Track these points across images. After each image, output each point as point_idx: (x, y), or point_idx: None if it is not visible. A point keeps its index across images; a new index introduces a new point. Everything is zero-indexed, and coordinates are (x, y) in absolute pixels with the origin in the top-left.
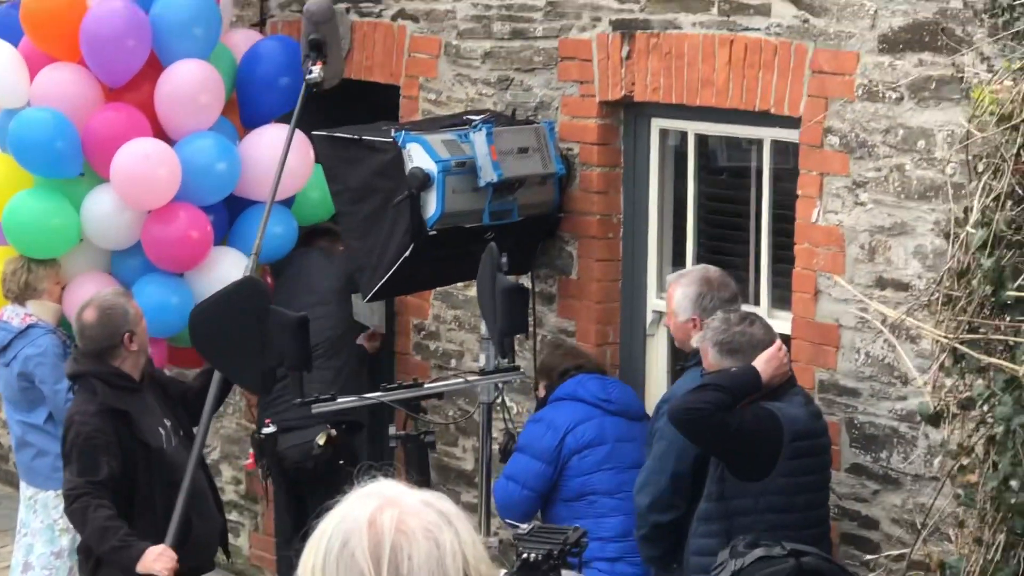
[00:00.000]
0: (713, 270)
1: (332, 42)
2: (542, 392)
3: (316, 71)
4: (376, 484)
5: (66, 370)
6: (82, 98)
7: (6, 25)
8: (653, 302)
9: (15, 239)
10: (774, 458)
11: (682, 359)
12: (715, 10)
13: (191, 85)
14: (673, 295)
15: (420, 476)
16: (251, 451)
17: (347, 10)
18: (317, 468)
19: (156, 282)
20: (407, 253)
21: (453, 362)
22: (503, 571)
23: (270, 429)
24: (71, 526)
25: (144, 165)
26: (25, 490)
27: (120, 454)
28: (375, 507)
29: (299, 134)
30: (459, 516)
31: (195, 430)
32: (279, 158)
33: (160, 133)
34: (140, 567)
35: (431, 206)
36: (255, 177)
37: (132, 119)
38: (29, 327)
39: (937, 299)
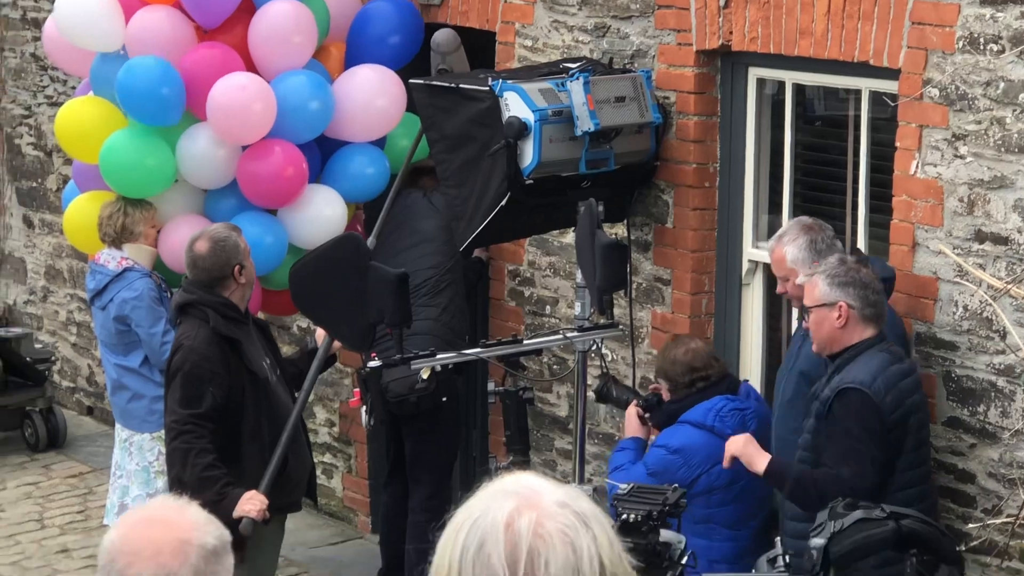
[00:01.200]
0: (804, 218)
1: (460, 71)
2: (666, 393)
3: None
4: (514, 479)
5: (175, 300)
6: (176, 40)
7: None
8: (749, 251)
9: (112, 178)
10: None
11: (777, 309)
12: None
13: (285, 24)
14: (784, 256)
15: (518, 433)
16: (356, 388)
17: None
18: (420, 403)
19: (251, 221)
20: (503, 202)
21: (548, 308)
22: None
23: (375, 364)
24: (167, 468)
25: (240, 96)
26: (120, 432)
27: (227, 383)
28: (513, 509)
29: (392, 76)
30: (596, 517)
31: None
32: (369, 99)
33: (254, 72)
34: (235, 512)
35: (528, 155)
36: (348, 117)
37: (227, 57)
38: (125, 270)
39: None
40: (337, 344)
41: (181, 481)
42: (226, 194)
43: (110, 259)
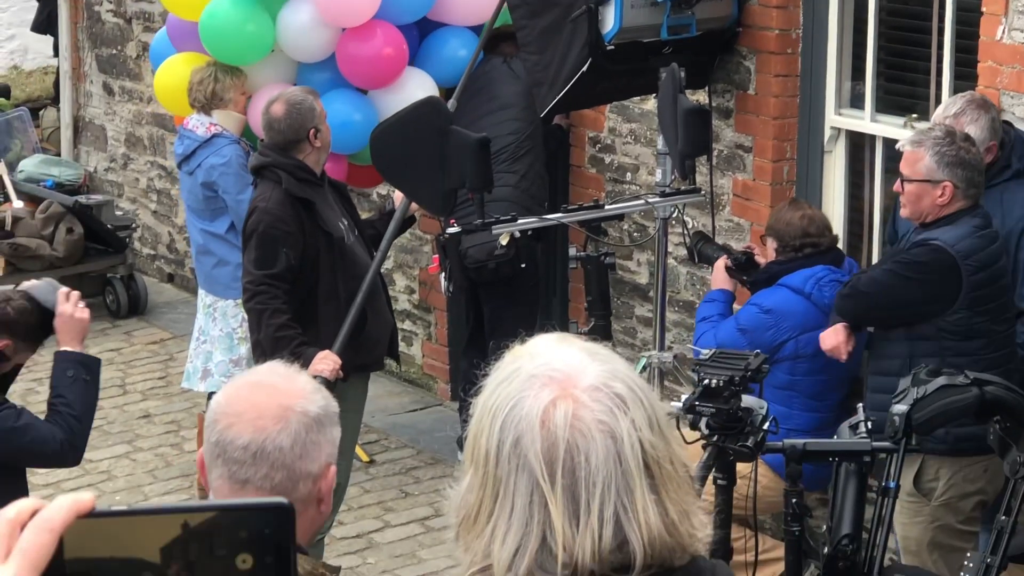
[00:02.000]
0: (975, 94)
1: None
2: (771, 251)
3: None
4: (545, 355)
5: (250, 163)
6: None
7: None
8: (831, 118)
9: (210, 43)
10: (955, 298)
11: (860, 178)
12: None
13: None
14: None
15: (600, 298)
16: (435, 255)
17: None
18: (499, 269)
19: (341, 98)
20: (584, 68)
21: (628, 175)
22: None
23: (454, 229)
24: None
25: None
26: (204, 298)
27: (302, 243)
28: (548, 401)
29: None
30: (634, 398)
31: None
32: None
33: None
34: (308, 372)
35: (609, 21)
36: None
37: None
38: (214, 136)
39: None
40: (415, 206)
41: (260, 343)
42: (321, 68)
43: (199, 125)
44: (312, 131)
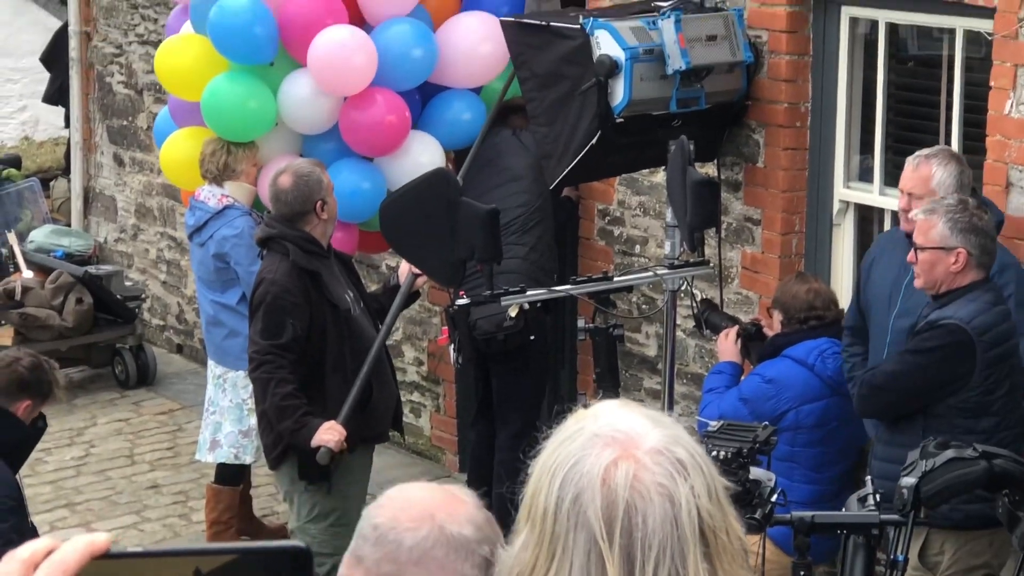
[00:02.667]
0: (950, 148)
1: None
2: (777, 324)
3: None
4: (609, 417)
5: (256, 235)
6: None
7: None
8: (840, 191)
9: (213, 121)
10: (969, 376)
11: (867, 249)
12: None
13: None
14: (931, 175)
15: (608, 370)
16: (444, 326)
17: None
18: (508, 341)
19: (349, 167)
20: (594, 140)
21: (637, 248)
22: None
23: (463, 301)
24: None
25: (340, 52)
26: (214, 368)
27: (308, 315)
28: (609, 461)
29: (495, 23)
30: (695, 464)
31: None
32: (473, 46)
33: (358, 18)
34: (313, 441)
35: (619, 93)
36: (451, 64)
37: (330, 3)
38: (225, 208)
39: None
40: (421, 280)
41: (265, 412)
42: (326, 138)
43: (211, 196)
44: (319, 203)
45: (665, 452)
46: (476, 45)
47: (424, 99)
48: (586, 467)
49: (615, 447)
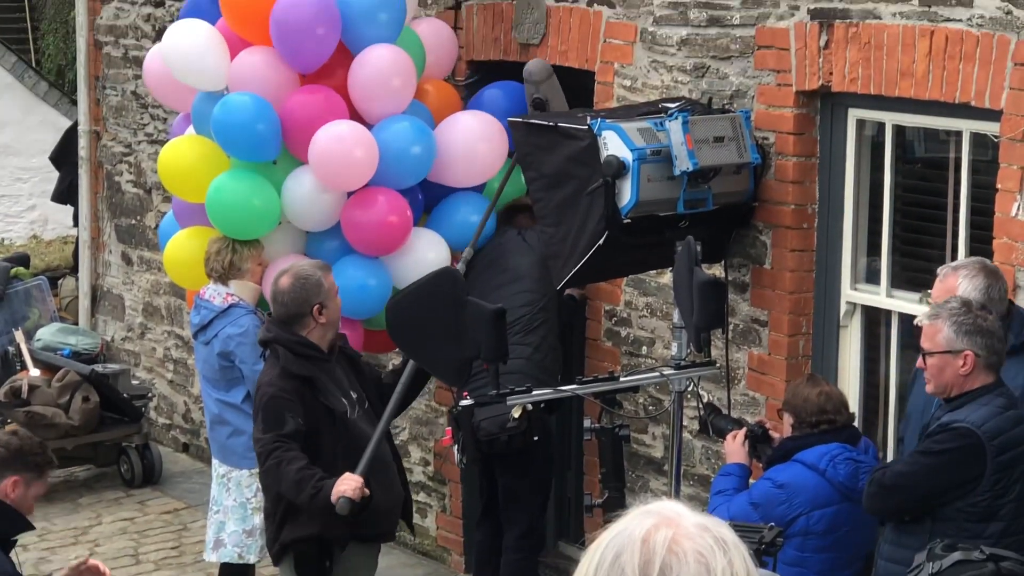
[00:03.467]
0: (988, 262)
1: (554, 99)
2: (787, 427)
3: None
4: (658, 503)
5: (258, 336)
6: (278, 82)
7: (202, 9)
8: (847, 293)
9: (218, 219)
10: (979, 480)
11: (875, 353)
12: (915, 0)
13: (384, 69)
14: (957, 288)
15: (614, 469)
16: (448, 427)
17: None
18: (511, 442)
19: (354, 264)
20: (601, 241)
21: (644, 349)
22: None
23: (467, 402)
24: (263, 494)
25: (340, 147)
26: (218, 468)
27: (303, 415)
28: (651, 525)
29: (493, 122)
30: (736, 545)
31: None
32: (472, 145)
33: (356, 118)
34: (332, 496)
35: (626, 194)
36: (449, 162)
37: (329, 101)
38: (231, 307)
39: None
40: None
41: (279, 498)
42: (330, 236)
43: (216, 295)
44: (317, 306)
45: (710, 528)
46: (474, 144)
47: (427, 197)
48: (628, 531)
49: (660, 518)
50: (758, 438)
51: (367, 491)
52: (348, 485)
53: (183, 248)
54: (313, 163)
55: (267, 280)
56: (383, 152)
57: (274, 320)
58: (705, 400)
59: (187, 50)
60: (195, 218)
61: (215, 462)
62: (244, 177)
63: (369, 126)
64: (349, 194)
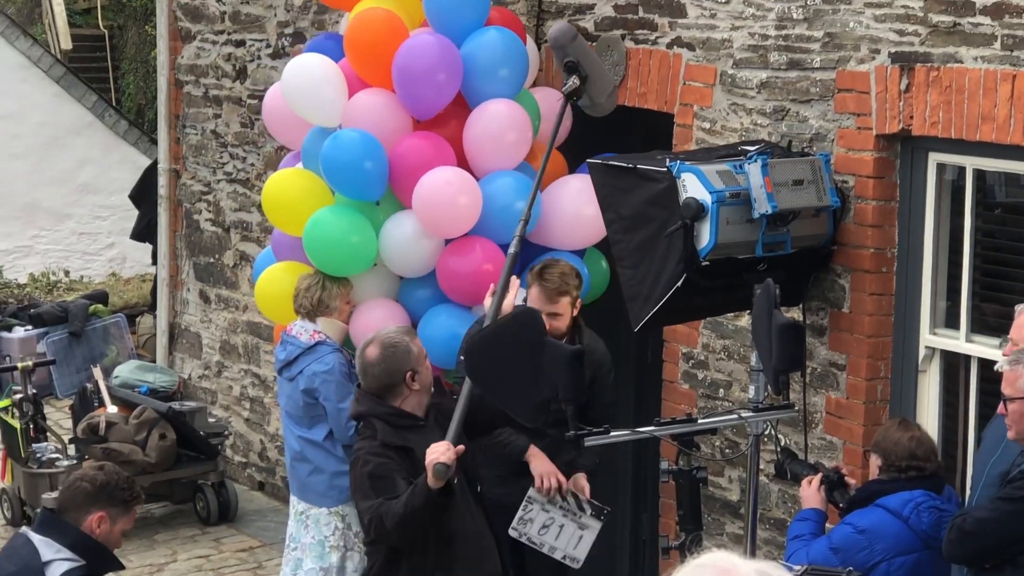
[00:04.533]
0: None
1: (586, 60)
2: (875, 469)
3: (571, 81)
4: (711, 555)
5: (351, 410)
6: (392, 124)
7: (325, 48)
8: (926, 338)
9: (313, 252)
10: None
11: (954, 398)
12: (998, 44)
13: (501, 123)
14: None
15: (691, 512)
16: None
17: (622, 36)
18: None
19: (445, 312)
20: (679, 283)
21: (721, 392)
22: None
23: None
24: (341, 543)
25: (446, 191)
26: (296, 504)
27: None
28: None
29: None
30: None
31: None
32: (578, 208)
33: (465, 168)
34: (427, 464)
35: (704, 236)
36: (552, 223)
37: (439, 148)
38: (317, 344)
39: None
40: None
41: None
42: (423, 284)
43: (303, 331)
44: (409, 374)
45: (767, 572)
46: (580, 207)
47: (524, 258)
48: None
49: (715, 570)
50: (834, 484)
51: (461, 447)
52: (438, 451)
53: (275, 282)
54: (417, 206)
55: (353, 324)
56: (487, 204)
57: (365, 392)
58: (782, 444)
59: (306, 83)
60: (293, 253)
61: (293, 499)
62: (344, 213)
63: (476, 178)
64: (447, 243)
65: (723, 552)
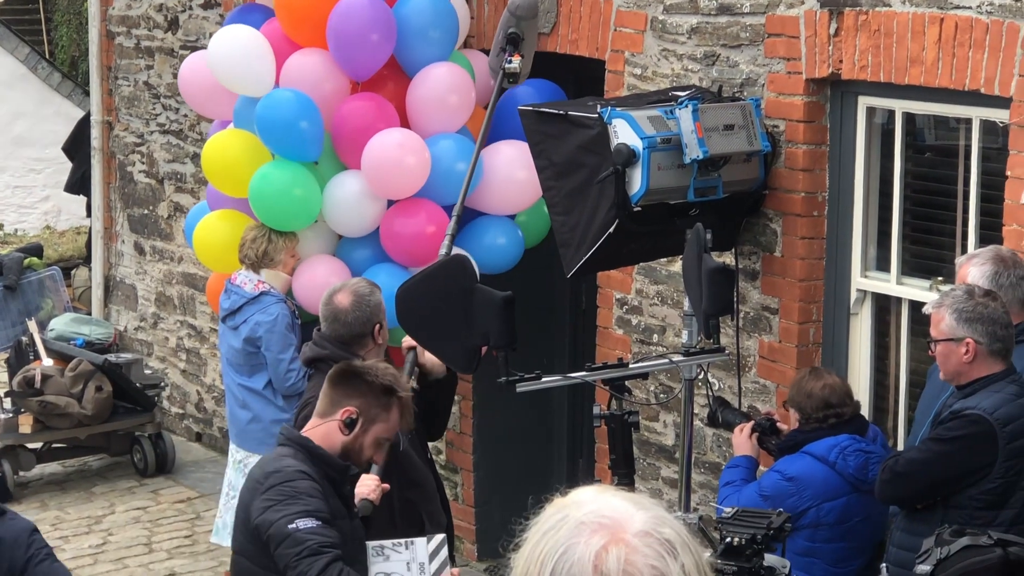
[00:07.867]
0: (1004, 249)
1: (529, 39)
2: (794, 421)
3: (515, 63)
4: (592, 504)
5: (306, 353)
6: (330, 85)
7: (246, 20)
8: (857, 280)
9: (258, 206)
10: (990, 467)
11: (885, 339)
12: None
13: (444, 85)
14: (966, 276)
15: (623, 456)
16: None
17: None
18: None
19: (385, 272)
20: (611, 229)
21: (655, 337)
22: (707, 552)
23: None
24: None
25: (396, 153)
26: (235, 453)
27: None
28: (599, 547)
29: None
30: (683, 543)
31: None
32: (511, 173)
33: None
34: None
35: (636, 182)
36: (488, 188)
37: (383, 110)
38: (261, 294)
39: None
40: (426, 359)
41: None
42: (363, 243)
43: (247, 281)
44: (377, 326)
45: (653, 533)
46: (513, 172)
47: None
48: (576, 555)
49: (603, 532)
50: (765, 431)
51: (386, 485)
52: (369, 487)
53: (213, 230)
54: (366, 167)
55: (295, 277)
56: (431, 166)
57: (328, 338)
58: (714, 391)
59: (233, 56)
60: (228, 204)
61: (232, 447)
62: (289, 167)
63: None
64: (390, 203)
65: (602, 496)
